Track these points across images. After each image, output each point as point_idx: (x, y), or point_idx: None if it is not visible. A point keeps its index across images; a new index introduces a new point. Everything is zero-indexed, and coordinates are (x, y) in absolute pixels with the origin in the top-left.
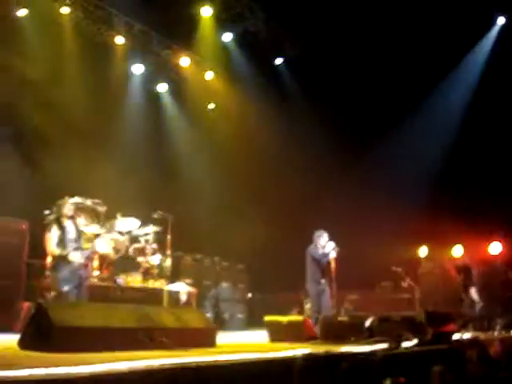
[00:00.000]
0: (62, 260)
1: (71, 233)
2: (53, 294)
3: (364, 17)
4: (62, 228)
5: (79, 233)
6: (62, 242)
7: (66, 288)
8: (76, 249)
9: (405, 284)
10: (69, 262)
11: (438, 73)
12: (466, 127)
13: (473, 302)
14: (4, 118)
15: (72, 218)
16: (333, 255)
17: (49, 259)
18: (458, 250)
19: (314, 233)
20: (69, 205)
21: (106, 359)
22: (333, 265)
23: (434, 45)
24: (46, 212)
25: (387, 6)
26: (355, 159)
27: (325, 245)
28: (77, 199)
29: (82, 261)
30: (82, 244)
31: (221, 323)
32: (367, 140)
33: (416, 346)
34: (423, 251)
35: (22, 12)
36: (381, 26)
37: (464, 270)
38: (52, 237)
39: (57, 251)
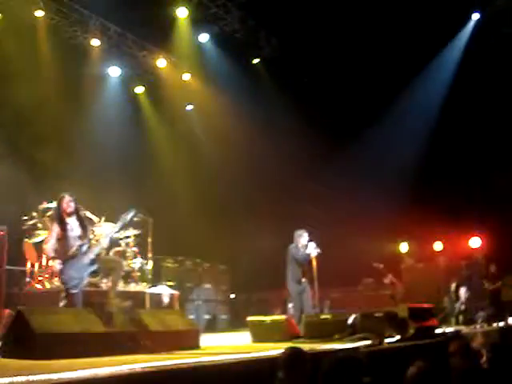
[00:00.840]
0: (65, 260)
1: (75, 230)
2: (62, 295)
3: (340, 13)
4: (64, 225)
5: (85, 229)
6: (63, 241)
7: (74, 290)
8: (82, 246)
9: (387, 280)
10: (72, 260)
11: (414, 67)
12: (444, 123)
13: (457, 297)
14: None
15: (74, 213)
16: (313, 254)
17: (50, 263)
18: (438, 245)
19: (295, 232)
20: (67, 200)
21: (88, 364)
22: (314, 263)
23: (409, 40)
24: (25, 218)
25: (363, 2)
26: (334, 157)
27: (306, 244)
28: (55, 204)
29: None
30: (88, 241)
31: (204, 325)
32: (346, 137)
33: (399, 341)
34: (404, 247)
35: None
36: (357, 20)
37: (464, 271)
38: (51, 237)
39: (53, 252)
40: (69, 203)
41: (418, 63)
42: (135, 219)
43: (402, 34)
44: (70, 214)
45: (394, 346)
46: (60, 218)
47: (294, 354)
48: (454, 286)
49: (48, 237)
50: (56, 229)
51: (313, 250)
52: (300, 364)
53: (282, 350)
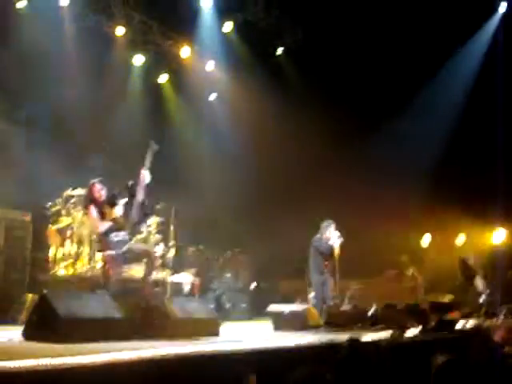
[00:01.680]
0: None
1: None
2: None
3: (364, 2)
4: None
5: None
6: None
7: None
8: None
9: (409, 272)
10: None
11: (439, 59)
12: (468, 113)
13: (478, 289)
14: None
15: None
16: (337, 244)
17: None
18: (461, 239)
19: (322, 222)
20: (99, 189)
21: (110, 349)
22: (336, 253)
23: (436, 30)
24: (49, 204)
25: None
26: (357, 147)
27: (330, 235)
28: (79, 191)
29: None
30: None
31: (224, 313)
32: (369, 127)
33: (419, 333)
34: (427, 239)
35: (22, 4)
36: (382, 10)
37: (460, 262)
38: (94, 217)
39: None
40: (100, 192)
41: (444, 54)
42: (158, 207)
43: (427, 24)
44: (102, 203)
45: (415, 338)
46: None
47: (354, 345)
48: (461, 278)
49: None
50: (94, 210)
51: (336, 239)
52: (358, 356)
53: (344, 339)
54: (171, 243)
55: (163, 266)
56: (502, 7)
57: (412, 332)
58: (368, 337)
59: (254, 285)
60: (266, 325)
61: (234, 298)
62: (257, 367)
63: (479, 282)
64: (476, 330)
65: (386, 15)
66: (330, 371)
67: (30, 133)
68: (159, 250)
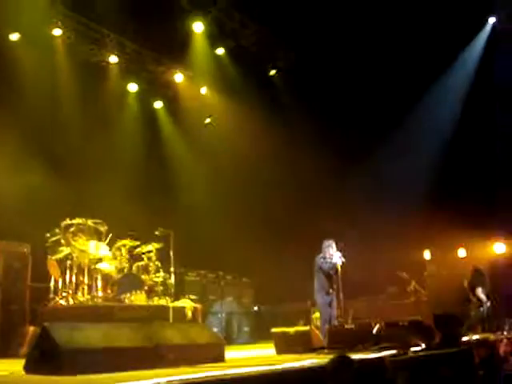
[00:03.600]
0: None
1: None
2: None
3: (356, 22)
4: None
5: None
6: None
7: None
8: None
9: (411, 288)
10: None
11: (432, 73)
12: (463, 127)
13: (480, 302)
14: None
15: None
16: (339, 263)
17: None
18: (461, 252)
19: (323, 242)
20: None
21: (112, 379)
22: (339, 273)
23: (427, 45)
24: (48, 235)
25: (379, 9)
26: (355, 166)
27: (332, 254)
28: (77, 220)
29: None
30: None
31: (227, 337)
32: (365, 146)
33: (424, 350)
34: (427, 254)
35: (15, 36)
36: (373, 28)
37: (473, 270)
38: None
39: None
40: None
41: (437, 68)
42: (156, 233)
43: (418, 39)
44: None
45: (420, 355)
46: None
47: (341, 363)
48: (467, 289)
49: None
50: None
51: (338, 259)
52: (347, 372)
53: (329, 359)
54: (171, 269)
55: (164, 292)
56: (492, 20)
57: (417, 349)
58: (372, 355)
59: (255, 308)
60: (269, 348)
61: (237, 322)
62: None
63: (481, 294)
64: (482, 344)
65: (378, 33)
66: None
67: (25, 164)
68: (160, 276)
